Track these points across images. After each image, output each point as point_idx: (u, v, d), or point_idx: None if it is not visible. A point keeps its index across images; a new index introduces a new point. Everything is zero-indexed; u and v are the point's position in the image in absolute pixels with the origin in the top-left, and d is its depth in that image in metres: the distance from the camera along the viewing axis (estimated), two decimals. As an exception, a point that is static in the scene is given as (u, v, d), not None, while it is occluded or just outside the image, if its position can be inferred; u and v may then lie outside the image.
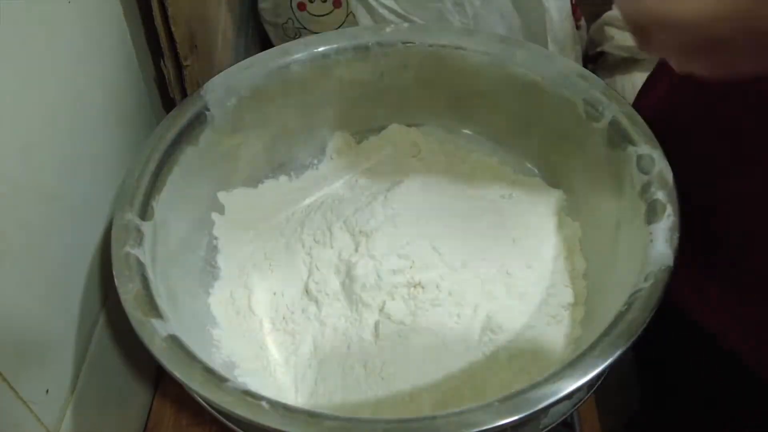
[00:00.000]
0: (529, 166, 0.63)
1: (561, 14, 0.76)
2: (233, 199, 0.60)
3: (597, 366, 0.38)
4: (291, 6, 0.86)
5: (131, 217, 0.47)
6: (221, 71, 0.58)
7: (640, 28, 0.32)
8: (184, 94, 0.59)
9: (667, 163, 0.48)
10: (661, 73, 0.56)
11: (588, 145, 0.56)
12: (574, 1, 0.86)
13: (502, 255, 0.55)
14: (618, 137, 0.52)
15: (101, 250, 0.51)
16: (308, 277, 0.55)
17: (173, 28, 0.54)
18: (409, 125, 0.66)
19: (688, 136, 0.50)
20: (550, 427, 0.45)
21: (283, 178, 0.65)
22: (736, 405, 0.54)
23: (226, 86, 0.57)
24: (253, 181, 0.63)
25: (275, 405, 0.37)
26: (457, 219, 0.56)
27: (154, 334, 0.41)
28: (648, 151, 0.49)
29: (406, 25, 0.70)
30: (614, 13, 1.04)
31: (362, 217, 0.56)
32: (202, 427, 0.57)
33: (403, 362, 0.49)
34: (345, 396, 0.49)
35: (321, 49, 0.60)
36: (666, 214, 0.46)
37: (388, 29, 0.62)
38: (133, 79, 0.58)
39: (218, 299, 0.55)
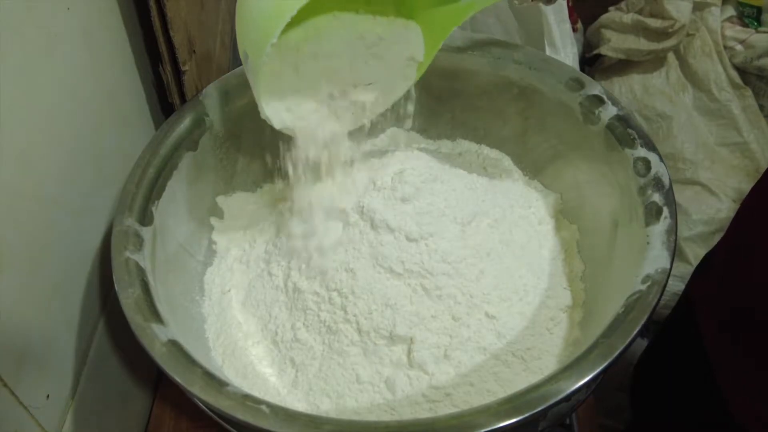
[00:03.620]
0: (526, 168, 0.64)
1: (558, 17, 0.77)
2: (232, 203, 0.61)
3: (595, 368, 0.38)
4: (289, 10, 0.86)
5: (131, 222, 0.47)
6: (220, 76, 0.58)
7: None
8: (183, 100, 0.60)
9: (664, 165, 0.49)
10: None
11: (585, 147, 0.56)
12: (570, 4, 0.86)
13: (499, 257, 0.55)
14: (615, 140, 0.52)
15: (101, 256, 0.52)
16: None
17: (172, 34, 0.55)
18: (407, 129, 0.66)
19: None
20: (548, 429, 0.45)
21: (281, 183, 0.65)
22: None
23: (224, 91, 0.57)
24: (252, 186, 0.63)
25: (275, 409, 0.37)
26: (455, 222, 0.56)
27: (155, 339, 0.41)
28: (645, 153, 0.50)
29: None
30: (611, 15, 1.04)
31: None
32: (201, 430, 0.58)
33: (400, 365, 0.49)
34: (340, 398, 0.49)
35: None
36: (663, 216, 0.46)
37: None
38: (132, 84, 0.58)
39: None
